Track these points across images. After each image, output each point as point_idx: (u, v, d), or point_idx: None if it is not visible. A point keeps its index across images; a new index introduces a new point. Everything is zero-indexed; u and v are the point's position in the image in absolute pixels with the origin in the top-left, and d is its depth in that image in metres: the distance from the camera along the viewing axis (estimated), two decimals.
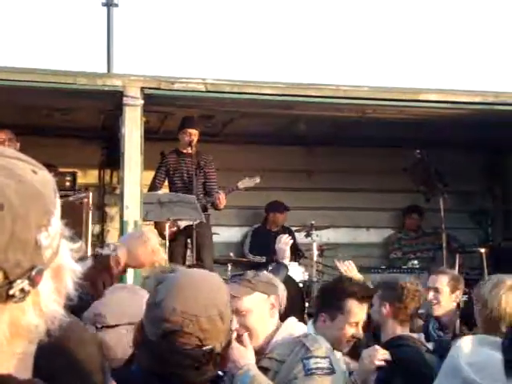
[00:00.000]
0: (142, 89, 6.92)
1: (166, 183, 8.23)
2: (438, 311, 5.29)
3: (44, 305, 0.99)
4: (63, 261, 1.02)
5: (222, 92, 7.21)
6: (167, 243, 7.50)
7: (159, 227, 7.82)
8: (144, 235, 5.53)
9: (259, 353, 3.14)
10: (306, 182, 9.89)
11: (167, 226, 7.44)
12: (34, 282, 0.96)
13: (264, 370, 3.08)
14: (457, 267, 8.59)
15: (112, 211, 9.26)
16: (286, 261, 5.26)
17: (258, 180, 7.97)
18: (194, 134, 7.84)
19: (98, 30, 9.33)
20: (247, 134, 9.34)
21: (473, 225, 10.33)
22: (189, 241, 7.76)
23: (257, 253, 9.16)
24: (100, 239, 9.26)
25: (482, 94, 7.87)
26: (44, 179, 1.02)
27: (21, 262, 0.94)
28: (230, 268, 8.28)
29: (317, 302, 4.25)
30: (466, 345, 1.80)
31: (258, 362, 3.12)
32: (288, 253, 5.28)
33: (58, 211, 1.01)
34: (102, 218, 9.36)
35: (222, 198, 7.74)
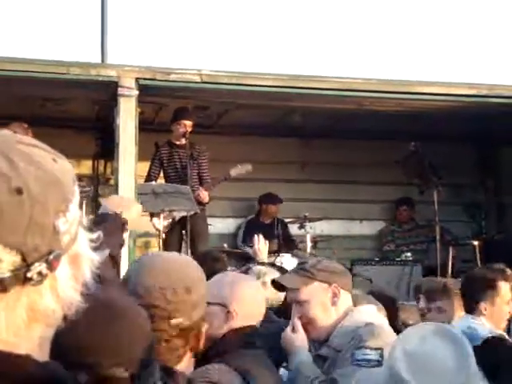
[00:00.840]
0: (137, 79, 6.90)
1: (162, 175, 8.21)
2: None
3: (61, 290, 1.01)
4: (81, 249, 1.05)
5: (218, 83, 7.20)
6: (163, 235, 7.50)
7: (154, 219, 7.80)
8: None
9: (322, 341, 3.15)
10: (301, 174, 9.89)
11: (162, 217, 7.43)
12: (51, 266, 0.99)
13: (322, 358, 3.09)
14: (450, 260, 8.62)
15: None
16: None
17: (249, 167, 7.95)
18: (188, 125, 7.82)
19: (92, 20, 9.27)
20: (242, 125, 9.33)
21: (466, 217, 10.36)
22: (184, 232, 7.74)
23: (249, 244, 9.17)
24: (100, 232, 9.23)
25: (477, 86, 7.89)
26: (63, 168, 1.05)
27: (39, 246, 0.97)
28: None
29: (469, 293, 4.29)
30: (414, 333, 1.80)
31: (318, 350, 3.16)
32: (263, 255, 5.31)
33: (76, 199, 1.05)
34: (97, 209, 9.32)
35: (202, 195, 7.75)
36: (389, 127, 8.92)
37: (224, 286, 2.80)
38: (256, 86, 7.24)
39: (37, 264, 0.97)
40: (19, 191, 0.96)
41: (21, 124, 7.10)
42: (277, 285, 3.30)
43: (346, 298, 3.23)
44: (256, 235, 5.61)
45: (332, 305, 3.17)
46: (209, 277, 4.84)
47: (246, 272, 7.87)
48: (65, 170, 1.05)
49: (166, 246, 7.73)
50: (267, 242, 5.57)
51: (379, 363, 2.92)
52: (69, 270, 1.03)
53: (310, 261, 3.36)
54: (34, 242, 0.97)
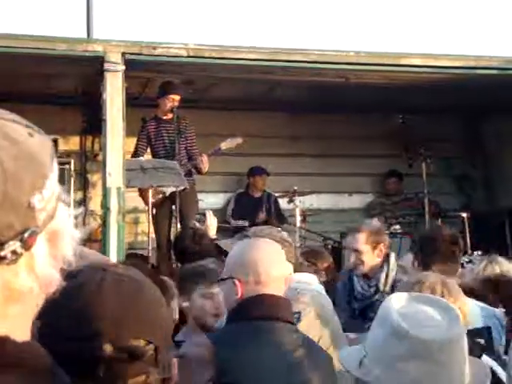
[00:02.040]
0: (124, 54, 6.84)
1: (149, 150, 8.18)
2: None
3: (39, 268, 0.98)
4: (60, 225, 1.02)
5: (204, 57, 7.15)
6: (154, 210, 7.49)
7: (143, 194, 7.79)
8: None
9: None
10: (289, 148, 9.89)
11: (150, 192, 7.42)
12: (26, 245, 0.96)
13: None
14: None
15: (94, 178, 9.23)
16: None
17: (239, 140, 7.93)
18: (176, 100, 7.77)
19: None
20: (229, 99, 9.30)
21: (455, 190, 10.40)
22: (174, 207, 7.73)
23: (239, 217, 9.19)
24: (83, 206, 9.24)
25: (464, 58, 7.88)
26: (40, 143, 1.01)
27: (13, 224, 0.94)
28: None
29: None
30: (398, 298, 1.87)
31: None
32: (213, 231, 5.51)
33: (54, 175, 1.01)
34: (84, 185, 9.32)
35: (205, 161, 7.69)
36: (376, 100, 8.90)
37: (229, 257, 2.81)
38: (240, 59, 7.20)
39: (11, 242, 0.94)
40: None
41: None
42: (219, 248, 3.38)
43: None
44: (206, 211, 5.71)
45: None
46: (204, 252, 4.88)
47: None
48: (42, 144, 1.01)
49: (156, 221, 7.72)
50: (215, 218, 5.70)
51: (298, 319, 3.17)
52: (47, 248, 1.00)
53: (253, 228, 3.51)
54: (7, 220, 0.93)
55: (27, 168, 0.96)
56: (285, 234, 3.54)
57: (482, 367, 1.96)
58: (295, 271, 3.51)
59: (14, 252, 0.95)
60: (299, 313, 3.27)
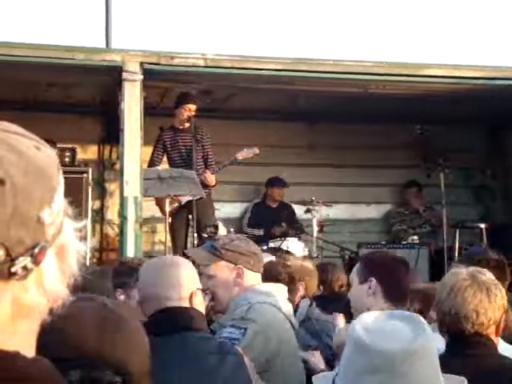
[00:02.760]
0: (142, 64, 6.87)
1: (165, 159, 8.19)
2: None
3: (47, 283, 0.98)
4: (67, 239, 1.01)
5: (222, 67, 7.16)
6: (169, 219, 7.49)
7: (160, 203, 7.81)
8: None
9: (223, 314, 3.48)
10: (307, 158, 9.86)
11: (167, 201, 7.42)
12: (36, 260, 0.95)
13: (212, 332, 3.30)
14: (457, 243, 8.60)
15: (112, 187, 9.25)
16: None
17: (256, 150, 7.93)
18: (193, 109, 7.79)
19: (97, 4, 9.24)
20: (248, 109, 9.30)
21: (473, 201, 10.33)
22: (190, 217, 7.74)
23: (255, 227, 9.18)
24: (100, 215, 9.26)
25: (484, 68, 7.83)
26: (47, 156, 1.00)
27: (23, 239, 0.93)
28: None
29: None
30: (366, 315, 1.86)
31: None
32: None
33: (61, 188, 1.00)
34: (102, 194, 9.35)
35: (208, 177, 7.74)
36: (395, 110, 8.87)
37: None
38: (259, 69, 7.20)
39: (21, 258, 0.93)
40: (1, 182, 0.92)
41: None
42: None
43: (253, 278, 3.47)
44: (218, 222, 5.78)
45: (234, 284, 3.42)
46: None
47: None
48: (49, 158, 1.00)
49: (173, 230, 7.73)
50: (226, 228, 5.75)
51: (239, 341, 3.16)
52: (55, 263, 0.99)
53: (222, 240, 3.56)
54: (17, 235, 0.92)
55: (36, 182, 0.95)
56: (253, 246, 3.58)
57: (460, 382, 1.92)
58: (265, 280, 3.58)
59: (24, 268, 0.94)
60: (245, 328, 3.26)
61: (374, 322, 1.80)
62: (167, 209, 7.40)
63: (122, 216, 6.79)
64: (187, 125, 7.84)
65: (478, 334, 2.64)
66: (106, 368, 1.40)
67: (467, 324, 2.63)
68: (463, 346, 2.64)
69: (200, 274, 3.32)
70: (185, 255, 3.59)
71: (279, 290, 3.62)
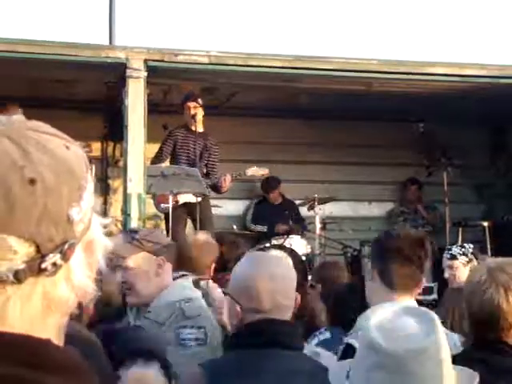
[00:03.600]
0: (146, 61, 6.89)
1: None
2: None
3: (76, 279, 1.01)
4: (95, 235, 1.04)
5: (226, 64, 7.18)
6: (170, 217, 7.51)
7: (162, 201, 7.77)
8: None
9: (143, 310, 3.34)
10: (310, 155, 9.87)
11: (170, 198, 7.42)
12: (65, 257, 0.98)
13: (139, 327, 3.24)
14: (459, 241, 8.61)
15: (115, 184, 9.27)
16: None
17: (266, 171, 7.96)
18: (193, 106, 7.73)
19: (101, 0, 9.25)
20: (251, 106, 9.31)
21: (476, 199, 10.34)
22: (187, 218, 7.76)
23: (259, 223, 9.19)
24: (103, 211, 9.27)
25: (487, 67, 7.84)
26: (76, 154, 1.02)
27: (53, 237, 0.96)
28: None
29: None
30: (381, 312, 1.87)
31: (136, 320, 3.34)
32: None
33: (90, 186, 1.02)
34: (105, 191, 9.36)
35: (227, 180, 7.70)
36: (398, 108, 8.88)
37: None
38: (263, 66, 7.22)
39: (51, 255, 0.96)
40: (33, 182, 0.94)
41: (12, 106, 7.12)
42: None
43: (170, 269, 3.45)
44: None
45: (155, 275, 3.35)
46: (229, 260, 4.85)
47: (260, 250, 7.92)
48: (78, 157, 1.02)
49: (171, 229, 7.73)
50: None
51: (204, 341, 3.15)
52: (83, 259, 1.02)
53: (142, 231, 3.54)
54: (48, 233, 0.95)
55: (66, 181, 0.98)
56: (168, 238, 3.60)
57: (473, 377, 1.89)
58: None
59: (54, 264, 0.97)
60: (204, 327, 3.26)
61: (387, 319, 1.82)
62: (170, 206, 7.38)
63: (126, 213, 6.82)
64: (196, 127, 7.76)
65: (498, 340, 2.44)
66: None
67: (486, 329, 2.46)
68: (484, 352, 2.44)
69: (117, 267, 3.30)
70: None
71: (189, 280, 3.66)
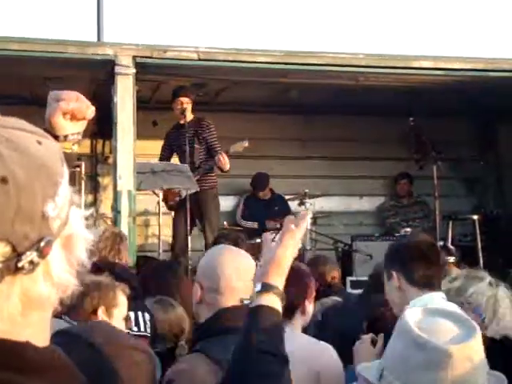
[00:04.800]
0: (134, 57, 6.87)
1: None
2: None
3: (56, 275, 1.00)
4: (74, 230, 1.03)
5: (215, 60, 7.16)
6: (172, 214, 7.52)
7: (166, 197, 7.77)
8: None
9: None
10: (300, 151, 9.88)
11: (161, 194, 7.43)
12: (42, 254, 0.97)
13: None
14: (450, 234, 8.64)
15: (105, 181, 9.25)
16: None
17: (246, 144, 7.91)
18: (185, 102, 7.75)
19: None
20: (241, 102, 9.30)
21: (466, 192, 10.36)
22: (192, 210, 7.76)
23: (249, 219, 9.18)
24: (93, 209, 9.25)
25: (475, 60, 7.86)
26: (49, 150, 1.01)
27: (28, 235, 0.95)
28: None
29: None
30: (414, 312, 1.88)
31: None
32: None
33: (65, 180, 1.01)
34: (95, 188, 9.34)
35: (223, 158, 7.64)
36: (387, 103, 8.88)
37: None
38: (253, 62, 7.21)
39: (28, 253, 0.95)
40: (4, 180, 0.93)
41: None
42: None
43: None
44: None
45: None
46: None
47: (253, 246, 7.94)
48: (51, 151, 1.01)
49: (174, 224, 7.73)
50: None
51: None
52: (62, 254, 1.01)
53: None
54: (23, 231, 0.94)
55: (39, 178, 0.96)
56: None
57: (501, 381, 1.94)
58: None
59: (31, 262, 0.96)
60: None
61: (424, 319, 1.83)
62: (161, 202, 7.40)
63: (116, 210, 6.80)
64: (183, 119, 7.80)
65: None
66: None
67: None
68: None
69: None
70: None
71: None
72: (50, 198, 0.97)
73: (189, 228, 7.42)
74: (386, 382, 1.80)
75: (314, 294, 3.48)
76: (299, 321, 3.36)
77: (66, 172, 1.02)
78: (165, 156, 8.07)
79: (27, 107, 8.25)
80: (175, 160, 8.07)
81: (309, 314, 3.42)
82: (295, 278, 3.01)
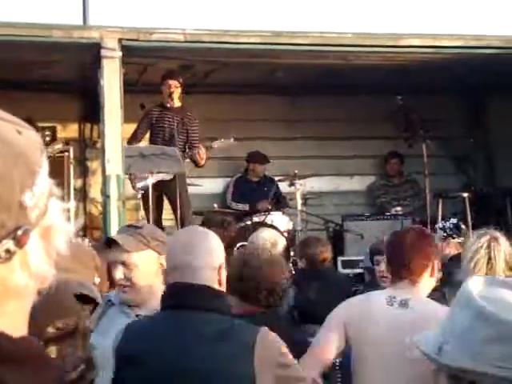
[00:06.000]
0: (120, 40, 6.82)
1: (147, 135, 8.14)
2: None
3: (33, 265, 0.99)
4: (53, 220, 1.02)
5: (202, 42, 7.13)
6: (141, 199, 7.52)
7: (131, 180, 7.73)
8: None
9: (141, 306, 3.19)
10: (289, 131, 9.85)
11: (150, 178, 7.38)
12: (19, 243, 0.96)
13: None
14: (440, 212, 8.65)
15: (94, 165, 9.21)
16: None
17: (231, 141, 7.91)
18: (173, 84, 7.73)
19: None
20: (229, 83, 9.26)
21: (455, 170, 10.38)
22: (164, 196, 7.76)
23: (239, 201, 9.17)
24: (83, 193, 9.23)
25: (463, 37, 7.84)
26: (29, 139, 1.00)
27: (5, 223, 0.94)
28: None
29: None
30: (475, 282, 1.81)
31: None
32: None
33: (44, 170, 1.00)
34: (84, 172, 9.31)
35: (202, 153, 7.66)
36: (375, 81, 8.86)
37: None
38: (239, 43, 7.18)
39: (4, 241, 0.95)
40: None
41: None
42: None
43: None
44: None
45: (156, 276, 3.19)
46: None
47: (243, 229, 7.92)
48: (30, 141, 1.00)
49: (146, 209, 7.70)
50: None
51: None
52: (40, 244, 1.00)
53: (146, 227, 3.36)
54: None
55: (17, 166, 0.96)
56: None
57: None
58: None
59: (7, 251, 0.95)
60: None
61: (488, 290, 1.75)
62: (150, 186, 7.35)
63: (105, 194, 6.79)
64: (176, 104, 7.77)
65: None
66: None
67: None
68: None
69: (116, 263, 3.18)
70: (110, 241, 3.35)
71: None
72: (27, 188, 0.97)
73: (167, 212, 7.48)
74: (447, 357, 1.72)
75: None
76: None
77: (45, 162, 1.02)
78: (143, 131, 8.02)
79: (12, 92, 8.23)
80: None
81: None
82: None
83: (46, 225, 1.01)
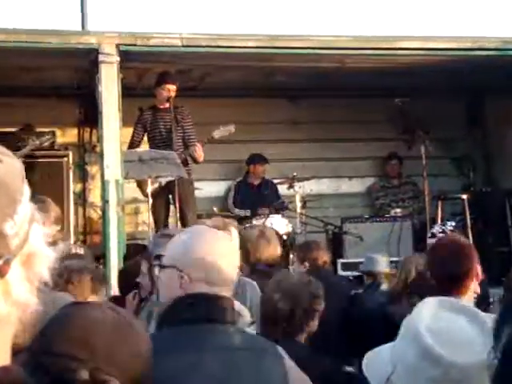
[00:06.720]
0: (118, 45, 6.83)
1: (145, 139, 8.15)
2: None
3: (15, 293, 0.98)
4: (34, 247, 1.01)
5: (199, 46, 7.14)
6: (150, 200, 7.48)
7: (141, 185, 7.79)
8: None
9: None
10: (288, 134, 9.85)
11: (149, 182, 7.40)
12: (1, 272, 0.95)
13: None
14: (439, 214, 8.65)
15: (93, 170, 9.22)
16: None
17: (232, 128, 7.88)
18: (172, 89, 7.74)
19: None
20: (227, 87, 9.27)
21: (454, 171, 10.37)
22: (170, 197, 7.73)
23: (240, 206, 9.17)
24: (82, 198, 9.23)
25: (461, 39, 7.85)
26: (10, 167, 0.99)
27: None
28: None
29: None
30: (427, 308, 1.76)
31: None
32: None
33: (25, 198, 0.99)
34: (83, 177, 9.31)
35: (198, 149, 7.65)
36: (375, 84, 8.88)
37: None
38: (237, 47, 7.19)
39: None
40: None
41: None
42: None
43: None
44: None
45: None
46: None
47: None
48: (10, 168, 0.99)
49: (154, 212, 7.71)
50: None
51: None
52: (22, 272, 0.99)
53: None
54: None
55: None
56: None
57: None
58: None
59: None
60: None
61: (437, 319, 1.70)
62: (149, 190, 7.38)
63: (104, 199, 6.80)
64: (167, 105, 7.79)
65: None
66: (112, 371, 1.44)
67: None
68: None
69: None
70: None
71: None
72: (8, 217, 0.96)
73: (174, 214, 7.47)
74: None
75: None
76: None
77: (26, 190, 1.01)
78: (138, 137, 8.02)
79: (11, 98, 8.25)
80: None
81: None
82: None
83: (28, 252, 0.99)
